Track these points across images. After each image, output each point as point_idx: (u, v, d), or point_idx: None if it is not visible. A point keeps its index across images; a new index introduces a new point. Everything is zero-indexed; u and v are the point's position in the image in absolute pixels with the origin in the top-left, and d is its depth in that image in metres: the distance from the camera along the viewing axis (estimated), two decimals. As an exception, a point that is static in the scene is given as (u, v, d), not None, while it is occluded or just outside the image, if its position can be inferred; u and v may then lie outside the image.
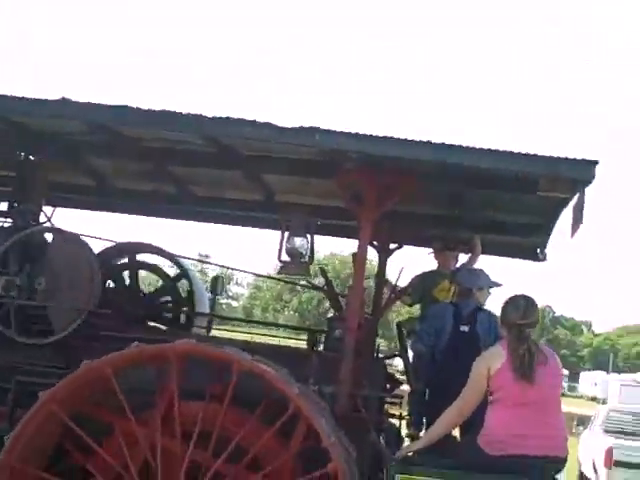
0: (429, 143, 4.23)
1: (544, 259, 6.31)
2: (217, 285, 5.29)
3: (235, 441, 3.84)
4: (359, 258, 4.56)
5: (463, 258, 6.20)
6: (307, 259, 4.68)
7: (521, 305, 4.12)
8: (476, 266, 5.82)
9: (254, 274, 16.58)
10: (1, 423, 4.49)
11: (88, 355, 4.67)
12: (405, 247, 5.98)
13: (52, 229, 4.96)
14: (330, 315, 5.10)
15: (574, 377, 55.70)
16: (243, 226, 6.46)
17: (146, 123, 4.39)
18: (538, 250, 6.29)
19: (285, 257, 4.67)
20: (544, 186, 4.51)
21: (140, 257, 5.74)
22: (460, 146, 4.23)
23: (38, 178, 5.62)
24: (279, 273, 4.88)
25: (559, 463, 3.89)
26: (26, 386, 4.57)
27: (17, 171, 5.81)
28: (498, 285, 5.49)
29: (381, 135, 4.19)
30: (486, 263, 6.23)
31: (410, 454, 4.11)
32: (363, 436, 4.35)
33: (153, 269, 6.53)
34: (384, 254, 5.81)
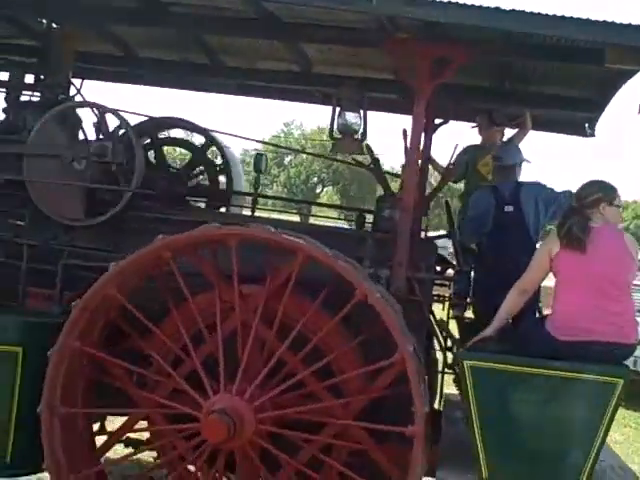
0: (490, 9, 3.91)
1: (592, 134, 6.09)
2: (261, 162, 5.07)
3: (297, 329, 3.77)
4: (414, 134, 4.33)
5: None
6: (360, 136, 4.43)
7: (577, 190, 4.10)
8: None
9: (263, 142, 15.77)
10: (51, 306, 4.45)
11: (134, 237, 4.60)
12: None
13: (91, 104, 4.68)
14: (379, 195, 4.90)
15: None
16: (281, 99, 6.18)
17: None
18: (587, 125, 6.06)
19: (337, 134, 4.44)
20: (612, 57, 4.21)
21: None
22: (523, 12, 3.91)
23: (65, 48, 5.30)
24: (331, 151, 4.66)
25: (629, 349, 3.83)
26: (72, 269, 4.50)
27: (41, 41, 5.50)
28: (528, 161, 5.31)
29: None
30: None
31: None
32: (421, 322, 4.30)
33: (179, 142, 6.35)
34: (429, 130, 5.56)
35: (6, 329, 4.12)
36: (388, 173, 5.22)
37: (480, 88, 5.51)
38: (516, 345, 3.84)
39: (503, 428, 3.69)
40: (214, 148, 5.81)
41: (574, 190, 4.22)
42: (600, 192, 3.96)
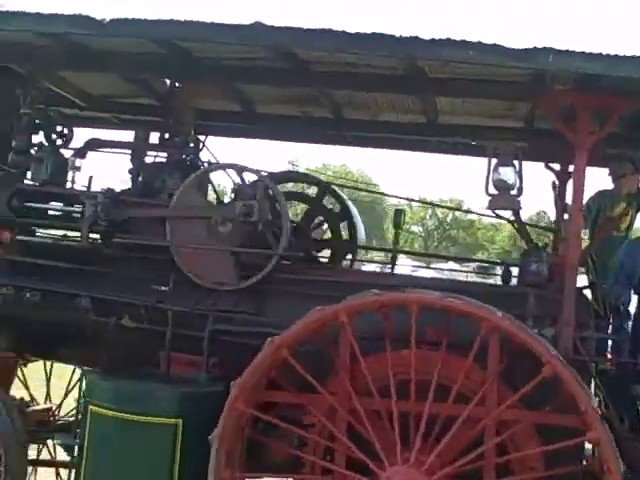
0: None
1: None
2: (400, 218, 4.96)
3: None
4: (576, 187, 4.16)
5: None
6: (516, 191, 4.27)
7: None
8: None
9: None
10: (197, 372, 4.32)
11: (277, 300, 4.48)
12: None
13: (231, 165, 4.61)
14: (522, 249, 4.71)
15: None
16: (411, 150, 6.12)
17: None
18: None
19: (492, 189, 4.28)
20: None
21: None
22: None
23: (188, 106, 5.27)
24: (487, 208, 4.50)
25: None
26: (218, 334, 4.38)
27: (164, 100, 5.48)
28: None
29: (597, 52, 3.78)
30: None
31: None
32: (588, 383, 4.08)
33: (294, 196, 6.25)
34: (563, 176, 5.37)
35: (164, 400, 4.00)
36: (533, 226, 5.02)
37: (619, 135, 5.31)
38: None
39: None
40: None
41: None
42: None
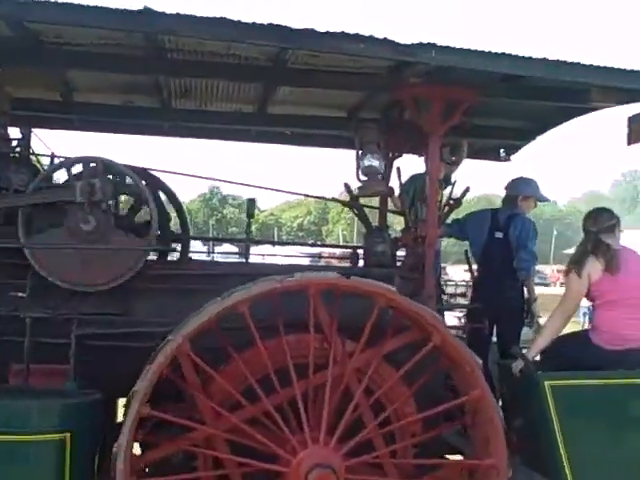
0: (494, 53, 4.20)
1: (508, 160, 6.63)
2: (253, 208, 4.95)
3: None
4: (431, 172, 4.53)
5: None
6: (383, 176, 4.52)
7: (592, 214, 4.53)
8: (528, 177, 5.95)
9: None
10: (60, 381, 4.00)
11: (144, 299, 4.30)
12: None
13: (101, 159, 4.26)
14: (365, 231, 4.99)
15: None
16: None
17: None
18: (502, 151, 6.58)
19: (362, 176, 4.49)
20: (596, 97, 4.71)
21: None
22: (522, 57, 4.26)
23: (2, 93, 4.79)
24: (359, 194, 4.68)
25: None
26: (84, 338, 4.10)
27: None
28: (546, 200, 5.72)
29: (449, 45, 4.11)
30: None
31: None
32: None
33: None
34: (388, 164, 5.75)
35: (47, 415, 3.67)
36: (375, 208, 5.31)
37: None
38: (564, 361, 4.18)
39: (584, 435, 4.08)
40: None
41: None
42: (614, 218, 4.43)
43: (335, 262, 16.93)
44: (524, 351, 4.32)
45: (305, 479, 3.61)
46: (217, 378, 3.78)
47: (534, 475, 4.21)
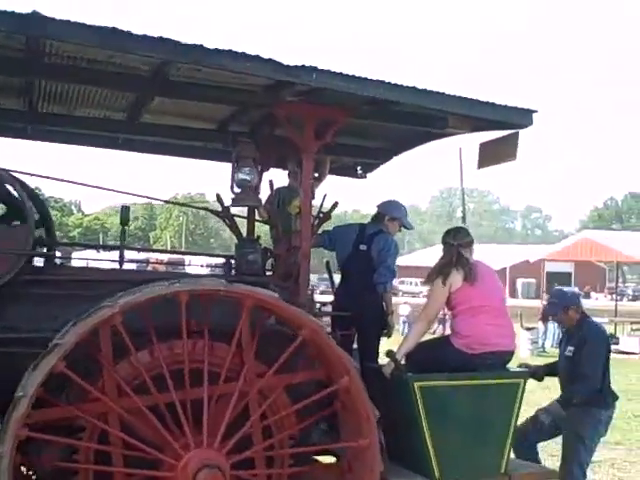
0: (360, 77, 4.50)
1: (364, 177, 7.03)
2: (127, 215, 4.93)
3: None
4: (304, 187, 4.78)
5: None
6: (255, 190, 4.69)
7: (451, 231, 5.07)
8: (400, 202, 6.23)
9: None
10: None
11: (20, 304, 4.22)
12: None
13: None
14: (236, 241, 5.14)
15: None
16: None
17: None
18: (359, 168, 6.97)
19: (236, 189, 4.64)
20: (453, 123, 5.15)
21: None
22: (388, 83, 4.61)
23: None
24: (232, 205, 4.80)
25: (512, 355, 4.84)
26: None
27: None
28: (411, 227, 6.08)
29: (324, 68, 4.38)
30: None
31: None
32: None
33: None
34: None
35: None
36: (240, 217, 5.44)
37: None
38: (428, 363, 4.56)
39: (450, 431, 4.51)
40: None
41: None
42: (470, 236, 4.92)
43: (162, 268, 16.99)
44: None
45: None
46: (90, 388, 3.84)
47: (404, 472, 4.53)
